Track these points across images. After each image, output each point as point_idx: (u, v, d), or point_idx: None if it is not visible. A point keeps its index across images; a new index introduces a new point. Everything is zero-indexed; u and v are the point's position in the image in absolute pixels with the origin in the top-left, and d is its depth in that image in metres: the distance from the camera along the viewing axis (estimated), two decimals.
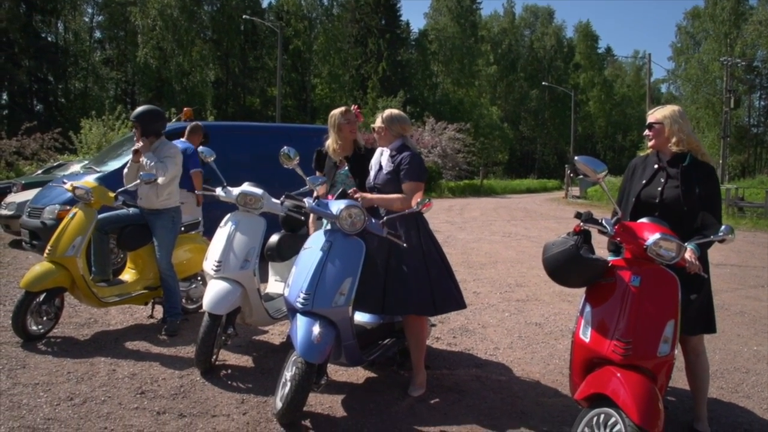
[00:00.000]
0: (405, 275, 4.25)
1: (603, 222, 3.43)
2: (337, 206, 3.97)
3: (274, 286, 5.49)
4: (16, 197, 11.42)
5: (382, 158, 4.53)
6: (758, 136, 56.31)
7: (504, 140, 61.19)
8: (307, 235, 5.47)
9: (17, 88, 42.71)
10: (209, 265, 4.74)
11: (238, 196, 4.92)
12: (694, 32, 57.43)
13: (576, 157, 3.40)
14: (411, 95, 52.41)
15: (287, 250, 5.25)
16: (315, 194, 4.22)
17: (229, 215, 4.96)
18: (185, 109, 10.11)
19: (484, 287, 8.41)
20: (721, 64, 41.20)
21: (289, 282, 3.99)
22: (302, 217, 5.01)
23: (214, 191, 5.09)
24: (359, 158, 5.01)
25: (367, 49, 55.03)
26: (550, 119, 73.08)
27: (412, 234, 4.35)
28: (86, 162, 12.17)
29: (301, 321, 3.75)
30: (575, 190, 36.64)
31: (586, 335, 3.38)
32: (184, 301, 6.08)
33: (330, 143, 5.12)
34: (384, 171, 4.44)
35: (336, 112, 5.09)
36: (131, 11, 46.43)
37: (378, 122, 4.53)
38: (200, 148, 5.27)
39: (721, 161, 37.72)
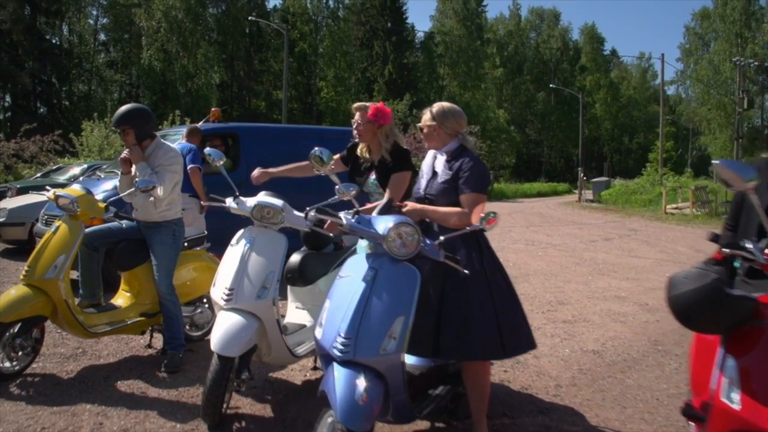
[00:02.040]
0: (465, 309, 3.40)
1: (750, 247, 2.54)
2: (383, 224, 3.11)
3: (294, 314, 4.62)
4: (8, 203, 10.62)
5: (436, 163, 3.69)
6: None
7: (511, 143, 60.63)
8: (334, 255, 4.64)
9: (20, 90, 41.97)
10: (218, 293, 3.87)
11: (253, 209, 4.05)
12: (703, 33, 56.68)
13: (716, 161, 2.49)
14: (417, 98, 51.57)
15: (311, 273, 4.40)
16: (355, 207, 3.34)
17: (242, 231, 4.09)
18: (213, 109, 9.36)
19: (524, 305, 7.51)
20: (734, 64, 40.41)
21: (322, 321, 3.11)
22: (330, 233, 4.14)
23: (224, 202, 4.21)
24: (384, 168, 4.19)
25: (373, 51, 54.39)
26: (556, 122, 72.48)
27: (474, 257, 3.51)
28: (106, 165, 11.37)
29: (340, 374, 2.87)
30: (588, 194, 35.85)
31: (733, 399, 2.46)
32: (187, 327, 5.24)
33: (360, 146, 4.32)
34: (439, 179, 3.60)
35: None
36: (136, 13, 45.74)
37: (426, 118, 3.69)
38: (207, 150, 4.37)
39: None
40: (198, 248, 5.29)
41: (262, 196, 4.13)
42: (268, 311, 3.81)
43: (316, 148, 3.26)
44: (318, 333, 3.11)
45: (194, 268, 5.17)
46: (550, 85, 63.34)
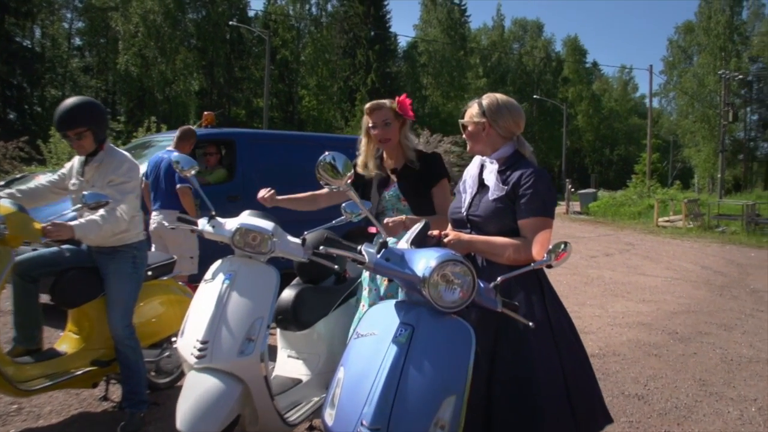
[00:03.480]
0: (526, 374, 2.51)
1: None
2: (423, 261, 2.20)
3: (286, 366, 3.66)
4: None
5: (485, 174, 2.77)
6: (751, 150, 55.36)
7: None
8: (336, 290, 3.72)
9: None
10: (187, 347, 2.92)
11: (234, 234, 3.09)
12: (686, 46, 56.91)
13: None
14: None
15: (308, 314, 3.48)
16: (378, 233, 2.42)
17: (218, 264, 3.15)
18: (206, 113, 8.39)
19: None
20: (719, 77, 40.20)
21: (334, 400, 2.18)
22: (335, 266, 3.20)
23: (196, 224, 3.25)
24: (411, 172, 3.33)
25: (355, 60, 53.81)
26: (539, 133, 72.32)
27: (534, 301, 2.63)
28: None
29: None
30: (576, 206, 35.21)
31: None
32: (153, 374, 4.27)
33: (363, 154, 3.44)
34: (490, 195, 2.69)
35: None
36: (112, 17, 44.51)
37: (473, 113, 2.82)
38: (175, 157, 3.38)
39: (719, 175, 36.66)
40: (165, 277, 4.32)
41: (246, 217, 3.18)
42: (254, 371, 2.87)
43: (327, 154, 2.31)
44: (328, 418, 2.17)
45: (161, 303, 4.22)
46: (534, 96, 63.20)
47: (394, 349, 2.13)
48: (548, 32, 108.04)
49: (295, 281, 3.68)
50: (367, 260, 2.23)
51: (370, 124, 3.39)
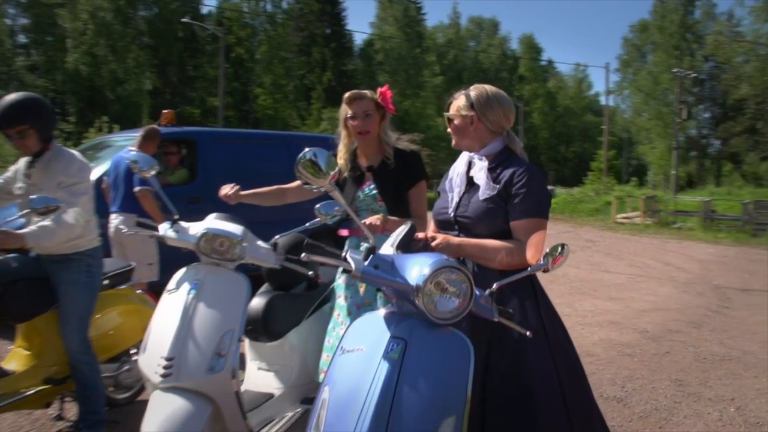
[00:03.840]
0: (522, 386, 2.34)
1: None
2: (416, 268, 2.00)
3: (256, 380, 3.42)
4: None
5: (474, 172, 2.59)
6: (704, 148, 56.53)
7: (451, 152, 60.33)
8: (308, 297, 3.50)
9: None
10: (150, 364, 2.66)
11: (200, 240, 2.83)
12: (641, 44, 57.73)
13: None
14: None
15: (280, 323, 3.25)
16: (370, 240, 2.20)
17: (183, 272, 2.90)
18: (165, 111, 8.02)
19: None
20: (673, 75, 40.92)
21: (320, 425, 1.96)
22: (308, 271, 2.98)
23: (157, 229, 2.98)
24: (389, 170, 3.14)
25: (311, 58, 53.17)
26: None
27: (528, 308, 2.47)
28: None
29: None
30: None
31: None
32: (111, 389, 3.99)
33: (340, 148, 3.22)
34: (480, 195, 2.50)
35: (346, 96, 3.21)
36: (59, 13, 43.14)
37: (459, 105, 2.63)
38: (134, 156, 3.10)
39: (673, 172, 37.31)
40: (123, 286, 4.03)
41: (213, 221, 2.94)
42: (225, 389, 2.63)
43: (308, 150, 2.07)
44: None
45: (119, 313, 3.93)
46: None
47: (385, 366, 1.92)
48: (504, 30, 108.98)
49: (264, 288, 3.44)
50: (353, 268, 2.01)
51: (349, 114, 3.17)
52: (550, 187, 37.49)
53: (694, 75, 43.50)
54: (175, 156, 7.45)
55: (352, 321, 3.04)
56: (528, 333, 2.20)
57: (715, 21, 50.49)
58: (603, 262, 13.05)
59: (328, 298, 3.48)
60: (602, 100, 73.71)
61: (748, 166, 47.34)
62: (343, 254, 2.07)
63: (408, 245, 2.29)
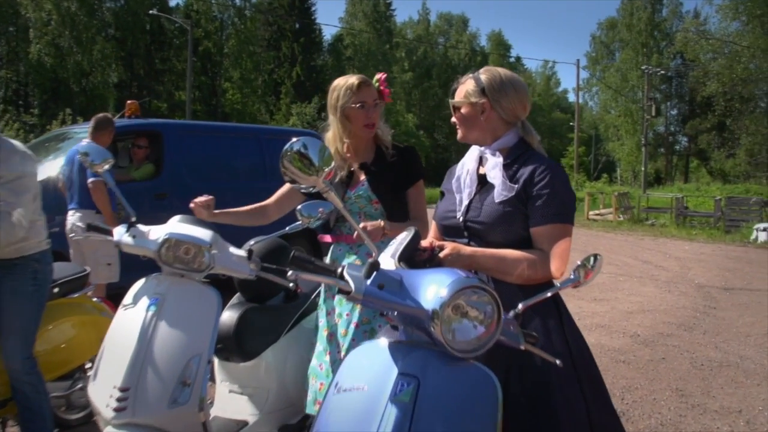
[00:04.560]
0: (547, 419, 1.96)
1: None
2: (432, 288, 1.59)
3: (226, 404, 2.97)
4: None
5: (487, 169, 2.20)
6: (671, 144, 57.08)
7: (420, 148, 60.73)
8: (286, 310, 3.08)
9: None
10: (101, 396, 2.23)
11: (161, 246, 2.40)
12: (609, 42, 58.08)
13: None
14: (326, 101, 50.48)
15: (254, 341, 2.83)
16: (373, 252, 1.79)
17: (140, 285, 2.46)
18: (129, 102, 7.56)
19: None
20: (642, 72, 41.15)
21: None
22: (289, 283, 2.56)
23: (110, 233, 2.54)
24: (386, 167, 2.74)
25: (280, 53, 52.61)
26: None
27: (552, 330, 2.10)
28: None
29: None
30: None
31: None
32: (62, 410, 3.55)
33: (329, 140, 2.77)
34: (495, 197, 2.12)
35: (341, 83, 2.74)
36: (22, 3, 41.84)
37: (467, 90, 2.24)
38: (84, 146, 2.64)
39: (643, 169, 37.50)
40: (76, 294, 3.58)
41: (177, 224, 2.50)
42: (190, 423, 2.21)
43: (296, 141, 1.64)
44: None
45: (72, 325, 3.50)
46: None
47: (393, 411, 1.53)
48: (473, 27, 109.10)
49: (235, 300, 3.02)
50: (353, 289, 1.59)
51: (358, 104, 2.73)
52: None
53: (662, 72, 43.81)
54: (141, 150, 7.00)
55: (348, 342, 2.66)
56: (558, 362, 1.83)
57: (681, 19, 51.05)
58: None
59: (310, 309, 3.08)
60: (570, 97, 74.47)
61: (715, 162, 47.84)
62: (339, 270, 1.66)
63: (411, 256, 1.90)
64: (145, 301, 2.34)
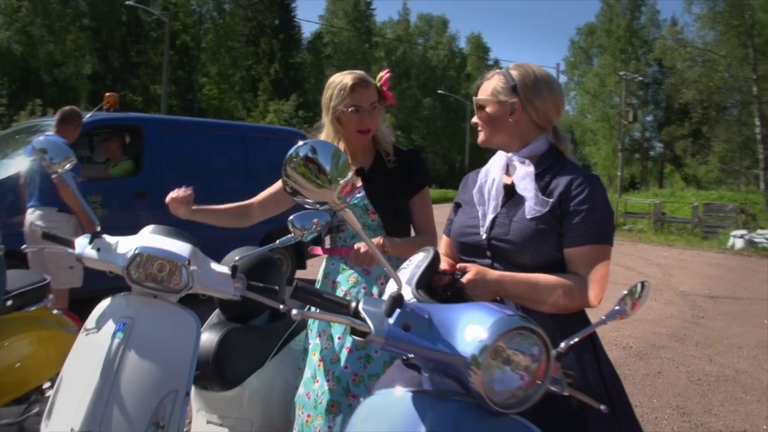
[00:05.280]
0: None
1: None
2: (472, 329, 1.28)
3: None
4: None
5: (516, 180, 1.91)
6: (646, 150, 57.41)
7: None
8: (271, 330, 2.76)
9: None
10: None
11: (131, 262, 2.05)
12: (587, 47, 58.33)
13: None
14: (304, 99, 50.11)
15: (237, 367, 2.50)
16: (393, 278, 1.45)
17: (104, 307, 2.12)
18: (107, 94, 7.16)
19: None
20: (620, 78, 41.31)
21: None
22: (279, 305, 2.23)
23: (71, 244, 2.19)
24: (386, 174, 2.45)
25: (259, 49, 52.08)
26: (441, 128, 72.85)
27: (587, 366, 1.81)
28: None
29: None
30: None
31: None
32: None
33: None
34: (527, 212, 1.83)
35: (335, 81, 2.47)
36: None
37: (495, 87, 1.95)
38: (40, 141, 2.28)
39: (619, 173, 37.59)
40: (34, 307, 3.21)
41: (149, 236, 2.17)
42: None
43: (303, 144, 1.27)
44: None
45: (28, 342, 3.11)
46: (437, 91, 63.48)
47: None
48: (453, 28, 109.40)
49: (215, 318, 2.69)
50: (372, 330, 1.28)
51: (351, 108, 2.44)
52: None
53: (640, 78, 44.05)
54: (119, 145, 6.65)
55: (340, 370, 2.36)
56: (602, 407, 1.54)
57: (659, 27, 51.54)
58: None
59: (299, 329, 2.76)
60: None
61: (689, 168, 48.16)
62: (353, 305, 1.34)
63: (429, 282, 1.60)
64: (110, 326, 1.99)
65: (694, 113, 33.34)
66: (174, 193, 2.39)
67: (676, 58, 33.59)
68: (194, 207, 2.44)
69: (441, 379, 1.38)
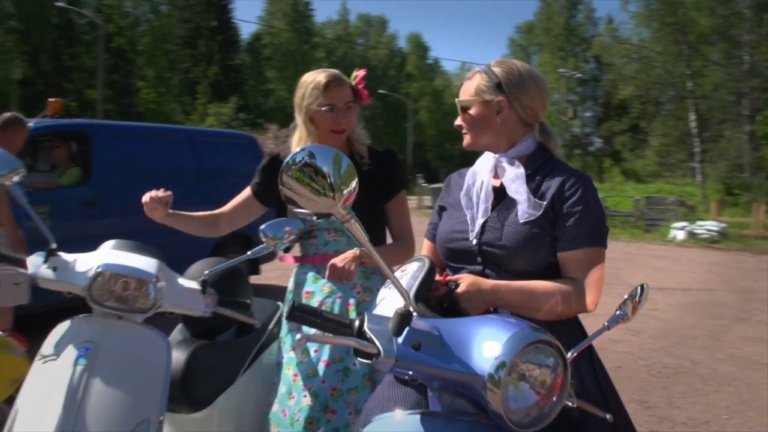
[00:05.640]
0: None
1: None
2: (489, 345, 1.18)
3: None
4: None
5: (507, 182, 1.82)
6: (586, 146, 58.63)
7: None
8: (239, 346, 2.61)
9: None
10: None
11: (93, 281, 1.88)
12: (526, 45, 59.30)
13: None
14: (244, 102, 49.60)
15: (205, 386, 2.34)
16: (405, 302, 1.32)
17: (62, 330, 1.93)
18: (51, 100, 6.80)
19: None
20: (559, 75, 42.06)
21: None
22: (254, 321, 2.10)
23: (23, 263, 1.99)
24: (360, 177, 2.33)
25: (196, 51, 51.32)
26: (383, 128, 73.08)
27: (585, 374, 1.77)
28: None
29: None
30: (427, 200, 35.54)
31: None
32: None
33: (295, 144, 2.45)
34: (520, 216, 1.75)
35: (308, 80, 2.35)
36: None
37: (480, 87, 1.86)
38: None
39: None
40: None
41: (110, 251, 2.00)
42: None
43: (300, 150, 1.13)
44: None
45: None
46: (378, 91, 63.64)
47: None
48: (393, 28, 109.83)
49: (178, 335, 2.52)
50: (381, 352, 1.17)
51: (326, 107, 2.33)
52: (441, 185, 38.41)
53: (579, 75, 44.97)
54: (65, 153, 6.37)
55: (317, 385, 2.24)
56: (608, 416, 1.48)
57: (595, 25, 52.81)
58: None
59: (268, 342, 2.62)
60: None
61: (627, 163, 49.33)
62: (356, 324, 1.22)
63: (424, 292, 1.50)
64: (71, 352, 1.80)
65: (633, 108, 34.17)
66: (153, 193, 2.23)
67: (614, 55, 34.40)
68: (170, 211, 2.29)
69: (451, 398, 1.28)
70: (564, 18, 53.00)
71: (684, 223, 18.30)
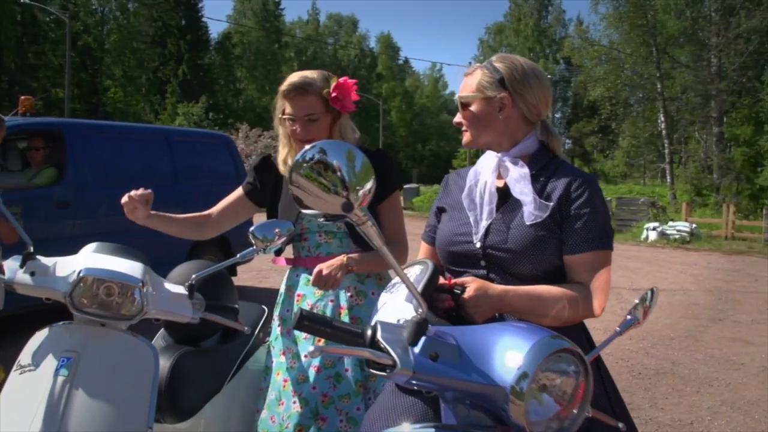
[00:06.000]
0: None
1: None
2: (511, 355, 1.11)
3: None
4: None
5: (511, 182, 1.74)
6: None
7: None
8: (224, 353, 2.51)
9: None
10: None
11: (74, 286, 1.77)
12: (497, 46, 59.75)
13: None
14: (214, 101, 49.22)
15: (191, 395, 2.24)
16: (419, 310, 1.23)
17: (41, 338, 1.82)
18: (23, 98, 6.59)
19: None
20: None
21: None
22: (244, 327, 2.01)
23: (0, 269, 1.88)
24: None
25: (165, 50, 50.83)
26: (357, 127, 73.24)
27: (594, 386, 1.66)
28: None
29: None
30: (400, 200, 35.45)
31: None
32: None
33: (280, 150, 2.34)
34: (526, 218, 1.67)
35: (282, 84, 2.31)
36: None
37: (481, 83, 1.76)
38: None
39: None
40: None
41: (92, 254, 1.89)
42: None
43: (310, 147, 1.04)
44: None
45: None
46: None
47: None
48: (363, 28, 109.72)
49: (161, 341, 2.41)
50: (398, 363, 1.09)
51: (286, 117, 2.25)
52: (414, 185, 37.67)
53: (549, 77, 45.34)
54: (40, 151, 6.22)
55: (307, 391, 2.16)
56: (621, 425, 1.42)
57: (565, 27, 53.39)
58: None
59: (254, 348, 2.53)
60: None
61: (597, 164, 49.83)
62: (368, 334, 1.14)
63: (430, 294, 1.43)
64: (51, 363, 1.69)
65: (603, 110, 34.49)
66: (132, 192, 2.12)
67: (584, 57, 34.71)
68: (152, 212, 2.18)
69: (467, 411, 1.20)
70: (534, 19, 53.59)
71: (655, 224, 18.52)
